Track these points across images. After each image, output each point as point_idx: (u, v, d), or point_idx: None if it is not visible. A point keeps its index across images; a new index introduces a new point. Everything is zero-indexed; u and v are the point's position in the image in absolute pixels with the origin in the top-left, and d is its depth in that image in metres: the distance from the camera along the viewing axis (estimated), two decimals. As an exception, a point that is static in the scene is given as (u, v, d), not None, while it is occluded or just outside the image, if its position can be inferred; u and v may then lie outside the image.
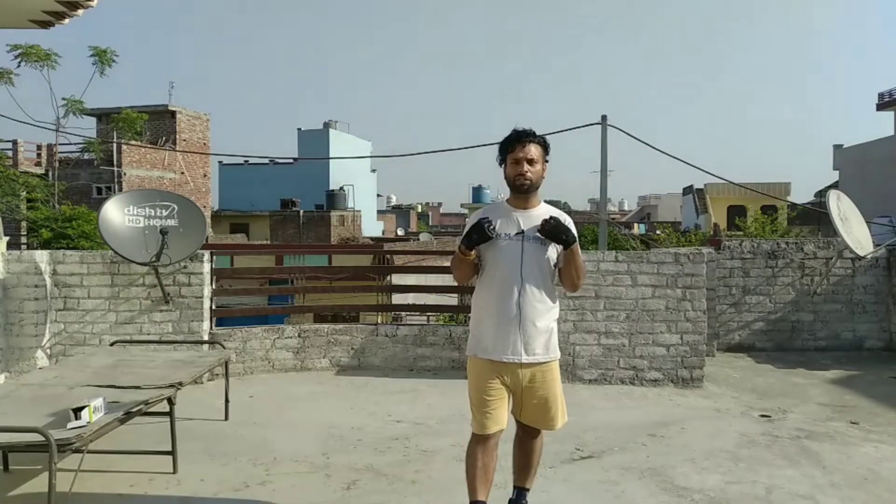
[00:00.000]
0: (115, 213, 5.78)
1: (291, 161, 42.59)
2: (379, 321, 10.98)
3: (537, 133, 3.05)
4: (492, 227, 2.92)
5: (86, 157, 27.91)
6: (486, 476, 3.01)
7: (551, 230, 2.93)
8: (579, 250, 3.07)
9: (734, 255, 7.86)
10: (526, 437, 3.16)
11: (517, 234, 2.99)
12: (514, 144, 3.00)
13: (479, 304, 3.11)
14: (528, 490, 3.23)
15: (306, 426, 4.86)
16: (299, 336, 6.61)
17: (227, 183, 44.17)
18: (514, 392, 3.03)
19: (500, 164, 3.08)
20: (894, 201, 19.11)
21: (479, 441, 3.02)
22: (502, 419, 3.02)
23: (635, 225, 45.05)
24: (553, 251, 3.03)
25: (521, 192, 3.02)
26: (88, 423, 3.12)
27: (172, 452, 3.90)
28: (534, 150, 3.00)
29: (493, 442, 3.03)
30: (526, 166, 2.98)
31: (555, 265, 3.07)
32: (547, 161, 3.08)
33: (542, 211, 3.06)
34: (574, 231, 3.00)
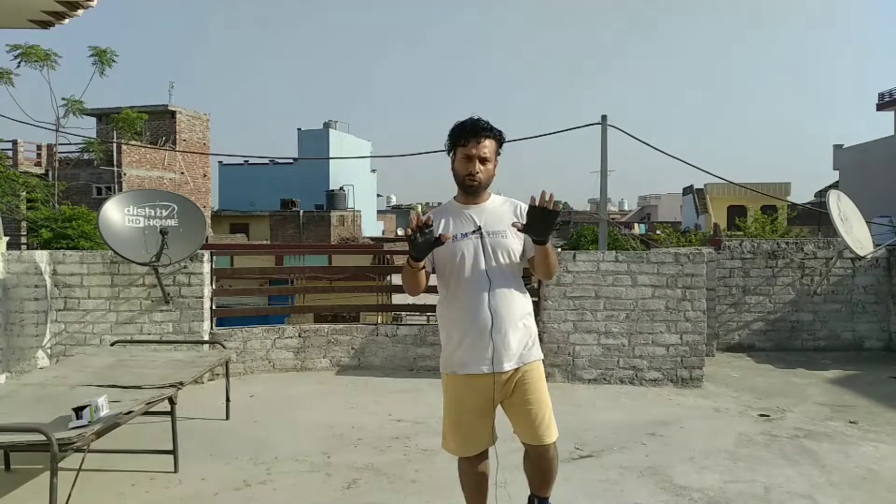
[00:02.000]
0: (115, 214, 5.79)
1: (291, 161, 42.67)
2: (379, 321, 11.00)
3: (493, 126, 2.72)
4: (429, 229, 2.54)
5: (86, 157, 27.95)
6: (482, 489, 2.88)
7: (538, 224, 2.54)
8: (550, 245, 2.71)
9: (734, 255, 7.87)
10: (538, 460, 2.86)
11: (474, 231, 2.70)
12: (467, 137, 2.67)
13: (447, 315, 2.78)
14: (547, 498, 3.00)
15: (307, 425, 4.87)
16: (299, 336, 6.62)
17: (227, 183, 44.21)
18: (502, 406, 2.77)
19: (449, 153, 2.76)
20: (894, 201, 19.12)
21: (468, 461, 2.83)
22: (484, 439, 2.78)
23: (635, 225, 45.09)
24: (518, 242, 2.73)
25: (470, 193, 2.75)
26: (90, 422, 3.13)
27: (174, 452, 3.91)
28: (488, 147, 2.69)
29: (482, 457, 2.83)
30: (478, 165, 2.68)
31: (521, 255, 2.76)
32: (499, 154, 2.77)
33: (495, 203, 2.79)
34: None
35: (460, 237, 2.70)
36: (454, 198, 2.83)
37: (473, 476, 2.86)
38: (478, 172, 2.69)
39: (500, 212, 2.77)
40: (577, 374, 6.09)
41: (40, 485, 3.67)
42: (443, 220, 2.76)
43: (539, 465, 2.86)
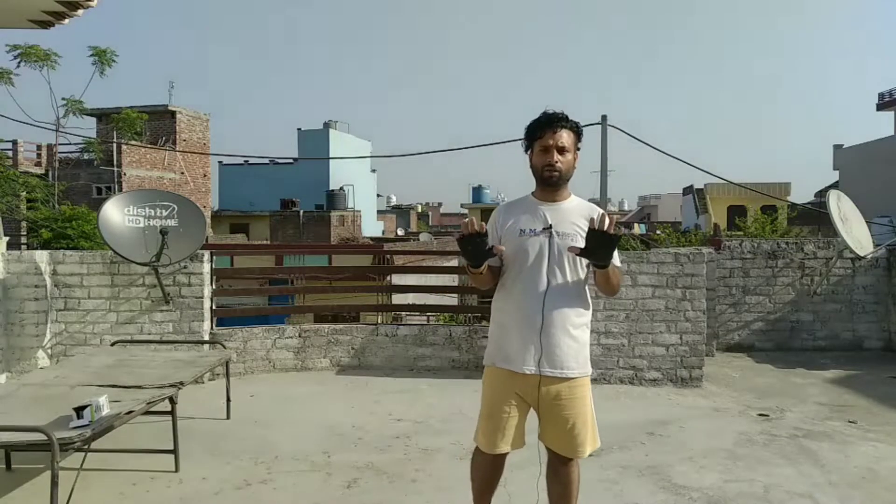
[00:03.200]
0: (115, 214, 5.79)
1: (291, 161, 42.66)
2: (379, 321, 11.00)
3: (569, 117, 2.65)
4: (481, 238, 2.48)
5: (86, 157, 27.95)
6: (491, 487, 2.86)
7: (598, 249, 2.47)
8: (617, 263, 2.65)
9: (734, 255, 7.88)
10: (558, 465, 2.75)
11: (544, 229, 2.62)
12: (543, 129, 2.61)
13: (500, 307, 2.72)
14: None
15: (307, 425, 4.88)
16: (300, 336, 6.62)
17: (227, 183, 44.20)
18: (536, 411, 2.69)
19: (526, 151, 2.71)
20: (894, 201, 19.13)
21: (486, 456, 2.76)
22: (514, 439, 2.69)
23: (635, 225, 45.06)
24: None
25: (550, 184, 2.64)
26: (90, 422, 3.13)
27: (174, 451, 3.92)
28: (566, 137, 2.61)
29: (501, 460, 2.78)
30: (556, 155, 2.60)
31: (588, 265, 2.67)
32: (579, 149, 2.70)
33: (573, 204, 2.70)
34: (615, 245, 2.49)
35: (528, 233, 2.64)
36: (532, 193, 2.76)
37: (488, 470, 2.80)
38: (557, 162, 2.61)
39: (575, 214, 2.68)
40: (576, 374, 6.09)
41: (40, 485, 3.67)
42: (514, 216, 2.70)
43: (560, 471, 2.76)
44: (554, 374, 2.61)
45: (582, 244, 2.54)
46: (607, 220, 2.43)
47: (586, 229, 2.52)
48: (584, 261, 2.64)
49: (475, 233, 2.47)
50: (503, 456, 2.78)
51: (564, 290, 2.62)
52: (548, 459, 2.80)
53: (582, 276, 2.68)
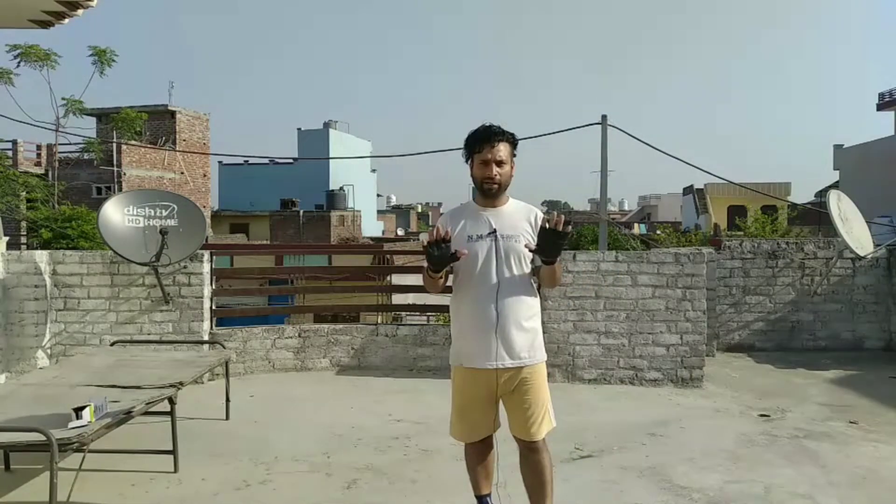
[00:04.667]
0: (115, 213, 5.79)
1: (291, 161, 42.61)
2: (379, 321, 10.99)
3: (505, 129, 2.86)
4: (446, 244, 2.69)
5: (86, 157, 27.90)
6: (487, 471, 3.05)
7: (549, 247, 2.71)
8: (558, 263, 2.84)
9: (734, 255, 7.87)
10: (527, 454, 2.93)
11: (489, 233, 2.82)
12: (481, 144, 2.82)
13: (457, 311, 2.93)
14: None
15: (307, 426, 4.87)
16: (299, 336, 6.62)
17: (227, 183, 44.19)
18: (502, 401, 2.91)
19: (466, 162, 2.91)
20: (894, 201, 19.11)
21: (472, 445, 3.01)
22: (486, 426, 2.94)
23: (635, 225, 45.09)
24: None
25: (489, 195, 2.87)
26: (89, 422, 3.13)
27: (174, 452, 3.91)
28: (503, 150, 2.82)
29: (487, 442, 3.00)
30: (495, 169, 2.81)
31: (531, 261, 2.87)
32: (515, 156, 2.91)
33: (512, 208, 2.91)
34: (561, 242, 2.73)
35: (475, 238, 2.83)
36: (473, 199, 2.96)
37: (478, 453, 3.01)
38: (496, 175, 2.82)
39: (516, 217, 2.89)
40: (577, 375, 6.09)
41: (40, 485, 3.67)
42: (461, 221, 2.89)
43: (529, 458, 2.94)
44: (513, 364, 2.82)
45: (524, 243, 2.80)
46: (561, 220, 2.67)
47: (528, 229, 2.84)
48: (528, 258, 2.85)
49: (440, 239, 2.69)
50: (490, 445, 3.01)
51: (514, 286, 2.83)
52: (519, 450, 2.96)
53: (527, 271, 2.88)
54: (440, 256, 2.70)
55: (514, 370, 2.83)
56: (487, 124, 2.86)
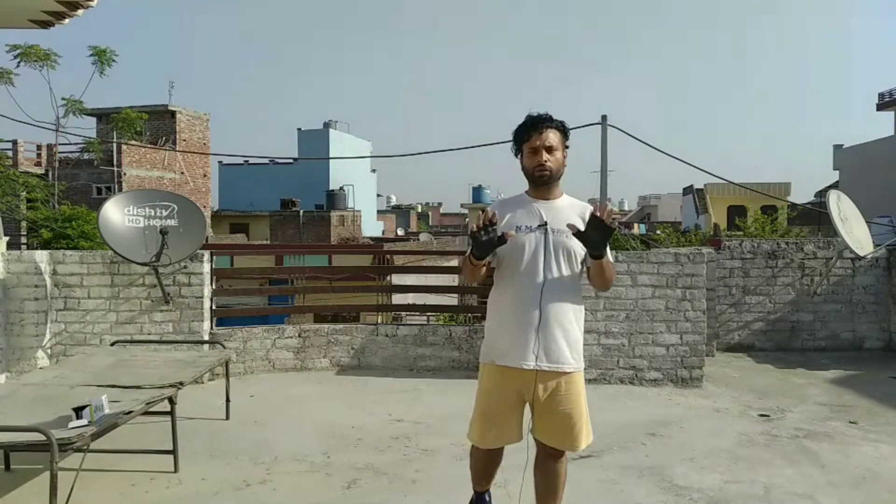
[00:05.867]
0: (115, 213, 5.79)
1: (291, 161, 42.62)
2: (379, 321, 10.99)
3: (554, 117, 2.73)
4: (493, 227, 2.54)
5: (86, 157, 27.92)
6: (489, 472, 2.96)
7: (593, 233, 2.54)
8: (609, 258, 2.68)
9: (734, 255, 7.87)
10: (547, 460, 2.79)
11: (539, 226, 2.66)
12: (529, 132, 2.68)
13: (496, 304, 2.76)
14: None
15: (307, 425, 4.87)
16: (299, 336, 6.62)
17: (227, 183, 44.19)
18: (531, 406, 2.71)
19: (516, 155, 2.77)
20: (894, 201, 19.11)
21: (481, 450, 2.84)
22: (509, 435, 2.74)
23: (635, 225, 45.05)
24: (581, 245, 2.66)
25: (541, 183, 2.71)
26: (90, 422, 3.13)
27: (174, 451, 3.91)
28: (552, 137, 2.68)
29: (498, 451, 2.85)
30: (545, 155, 2.66)
31: (582, 261, 2.72)
32: (567, 147, 2.77)
33: (566, 203, 2.76)
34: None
35: (524, 230, 2.67)
36: (525, 191, 2.81)
37: (485, 460, 2.88)
38: (546, 161, 2.67)
39: (569, 212, 2.72)
40: (577, 374, 6.08)
41: (40, 485, 3.67)
42: (510, 211, 2.74)
43: (548, 464, 2.80)
44: (552, 368, 2.64)
45: (575, 241, 2.62)
46: (611, 212, 2.52)
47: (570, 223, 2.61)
48: (579, 257, 2.69)
49: (487, 223, 2.52)
50: (499, 451, 2.85)
51: (560, 285, 2.66)
52: (536, 453, 2.82)
53: (577, 271, 2.72)
54: (488, 241, 2.53)
55: (553, 375, 2.65)
56: (535, 113, 2.72)
